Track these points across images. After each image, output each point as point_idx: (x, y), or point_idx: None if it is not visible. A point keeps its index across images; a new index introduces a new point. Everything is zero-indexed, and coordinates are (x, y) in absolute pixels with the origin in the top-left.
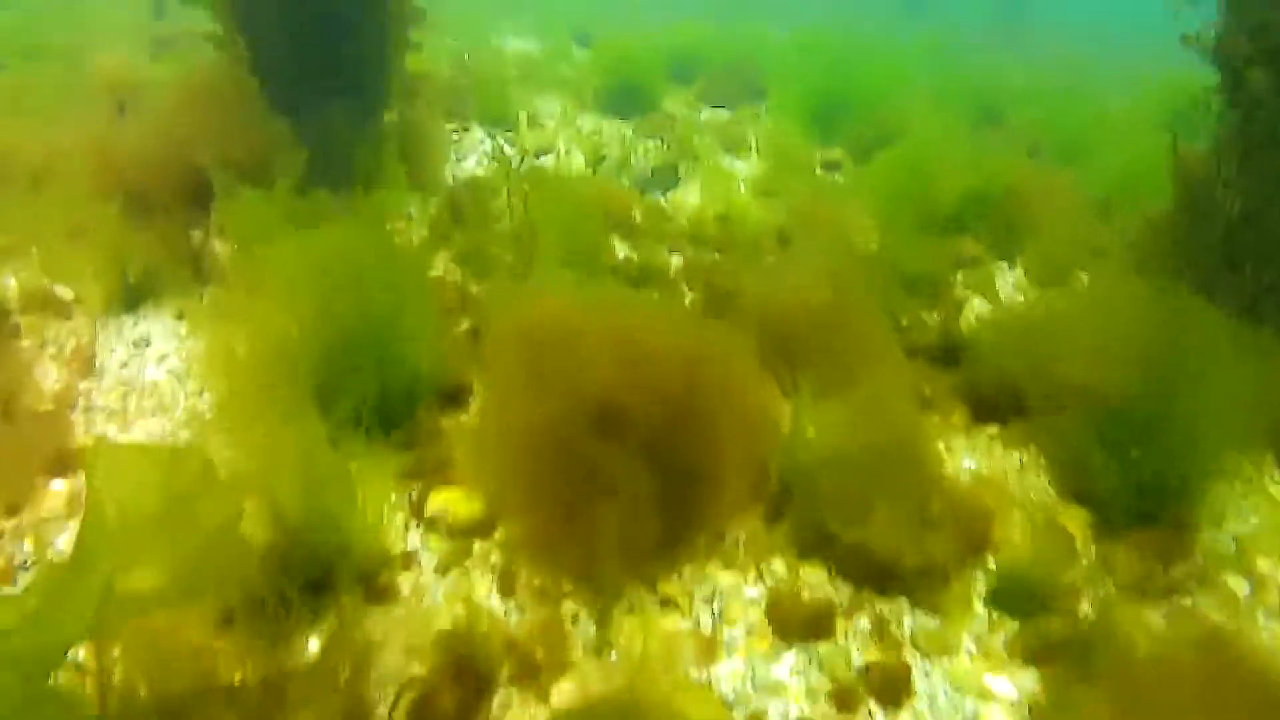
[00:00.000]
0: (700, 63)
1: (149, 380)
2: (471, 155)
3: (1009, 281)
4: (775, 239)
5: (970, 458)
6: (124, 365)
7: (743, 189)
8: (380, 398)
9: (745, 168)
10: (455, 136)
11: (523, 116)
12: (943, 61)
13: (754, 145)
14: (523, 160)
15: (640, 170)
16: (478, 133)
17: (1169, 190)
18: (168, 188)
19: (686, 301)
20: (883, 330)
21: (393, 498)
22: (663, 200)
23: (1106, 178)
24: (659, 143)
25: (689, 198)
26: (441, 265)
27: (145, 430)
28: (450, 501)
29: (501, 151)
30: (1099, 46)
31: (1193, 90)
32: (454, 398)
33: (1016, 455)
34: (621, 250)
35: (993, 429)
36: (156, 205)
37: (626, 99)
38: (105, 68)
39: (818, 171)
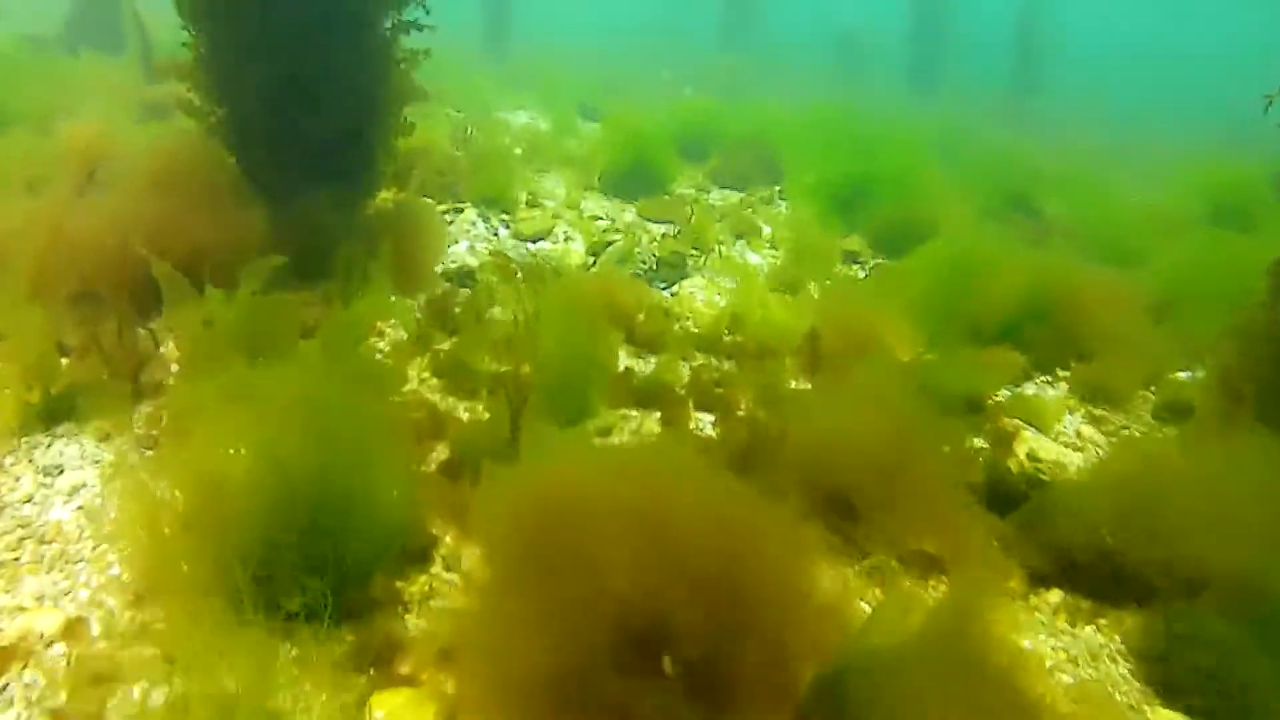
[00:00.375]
0: (711, 139)
1: (53, 521)
2: (463, 240)
3: (1055, 396)
4: (798, 347)
5: (1031, 635)
6: (28, 499)
7: (758, 283)
8: (328, 565)
9: (760, 259)
10: (448, 218)
11: (521, 196)
12: (957, 138)
13: (769, 231)
14: (530, 257)
15: (645, 260)
16: (471, 214)
17: (1236, 297)
18: (123, 279)
19: (695, 423)
20: (946, 478)
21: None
22: (669, 295)
23: (1158, 279)
24: (666, 228)
25: (698, 293)
26: (417, 375)
27: (36, 590)
28: (396, 711)
29: (495, 235)
30: (1110, 121)
31: (1230, 182)
32: (419, 554)
33: (1088, 632)
34: (626, 356)
35: (1054, 596)
36: (109, 299)
37: (633, 178)
38: (79, 136)
39: (839, 266)
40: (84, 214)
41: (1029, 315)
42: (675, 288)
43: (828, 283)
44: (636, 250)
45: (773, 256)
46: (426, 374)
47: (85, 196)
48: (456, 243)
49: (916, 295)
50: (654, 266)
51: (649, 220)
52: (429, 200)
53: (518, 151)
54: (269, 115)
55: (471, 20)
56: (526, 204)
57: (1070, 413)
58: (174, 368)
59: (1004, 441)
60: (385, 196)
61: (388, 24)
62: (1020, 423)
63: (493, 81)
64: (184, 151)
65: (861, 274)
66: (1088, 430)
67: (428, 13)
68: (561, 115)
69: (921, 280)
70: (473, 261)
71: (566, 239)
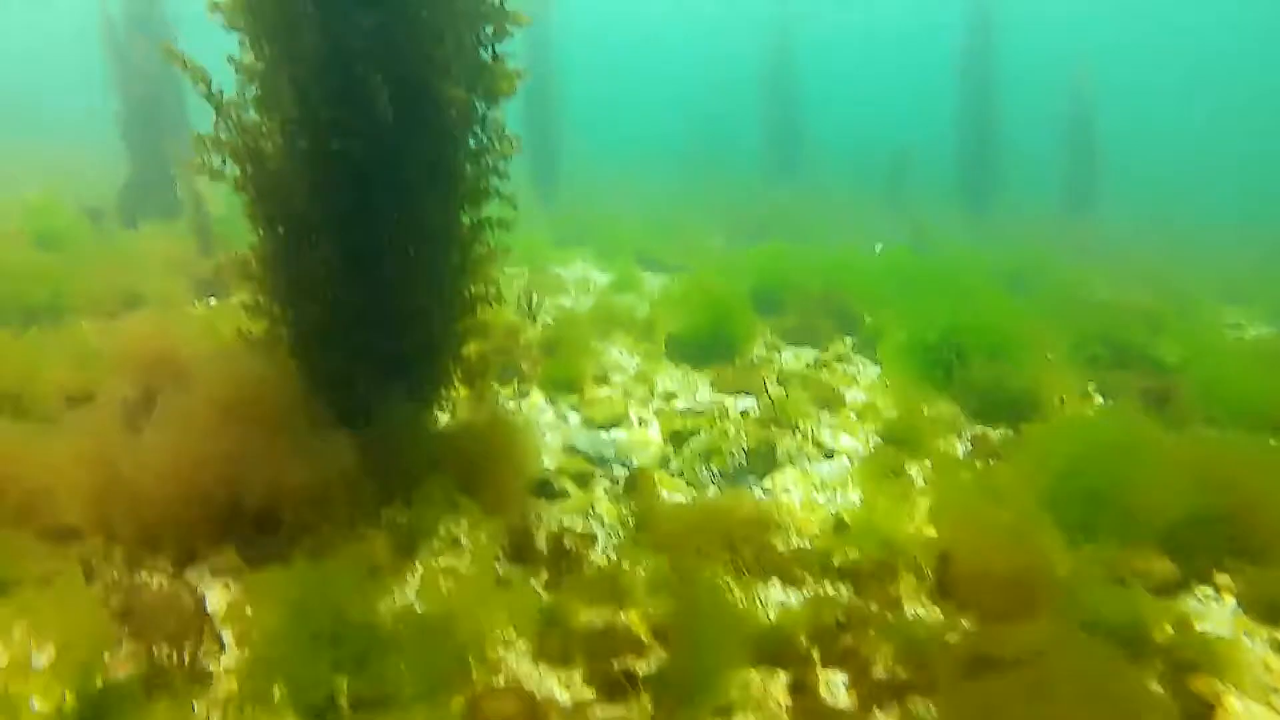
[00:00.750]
0: (775, 288)
1: None
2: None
3: (1221, 611)
4: (921, 560)
5: None
6: None
7: (858, 468)
8: None
9: (851, 440)
10: (513, 405)
11: (588, 370)
12: (1027, 268)
13: (854, 397)
14: (606, 449)
15: (734, 453)
16: (538, 397)
17: None
18: (186, 527)
19: (826, 688)
20: None
21: None
22: (760, 492)
23: None
24: (746, 403)
25: (794, 489)
26: (500, 634)
27: None
28: None
29: (564, 421)
30: (1184, 234)
31: None
32: None
33: None
34: (731, 585)
35: None
36: (168, 552)
37: (701, 339)
38: (135, 336)
39: (940, 443)
40: (146, 444)
41: (1177, 506)
42: (768, 481)
43: (931, 464)
44: (722, 439)
45: (862, 430)
46: (510, 631)
47: (141, 419)
48: None
49: (1037, 478)
50: (743, 461)
51: (724, 393)
52: (504, 397)
53: (579, 314)
54: (340, 327)
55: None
56: (594, 379)
57: (1249, 636)
58: (233, 643)
59: (1200, 707)
60: (459, 396)
61: (467, 221)
62: (1220, 686)
63: (544, 227)
64: (249, 367)
65: (961, 449)
66: (1277, 663)
67: (515, 209)
68: (619, 268)
69: (1037, 459)
70: (548, 463)
71: (641, 423)
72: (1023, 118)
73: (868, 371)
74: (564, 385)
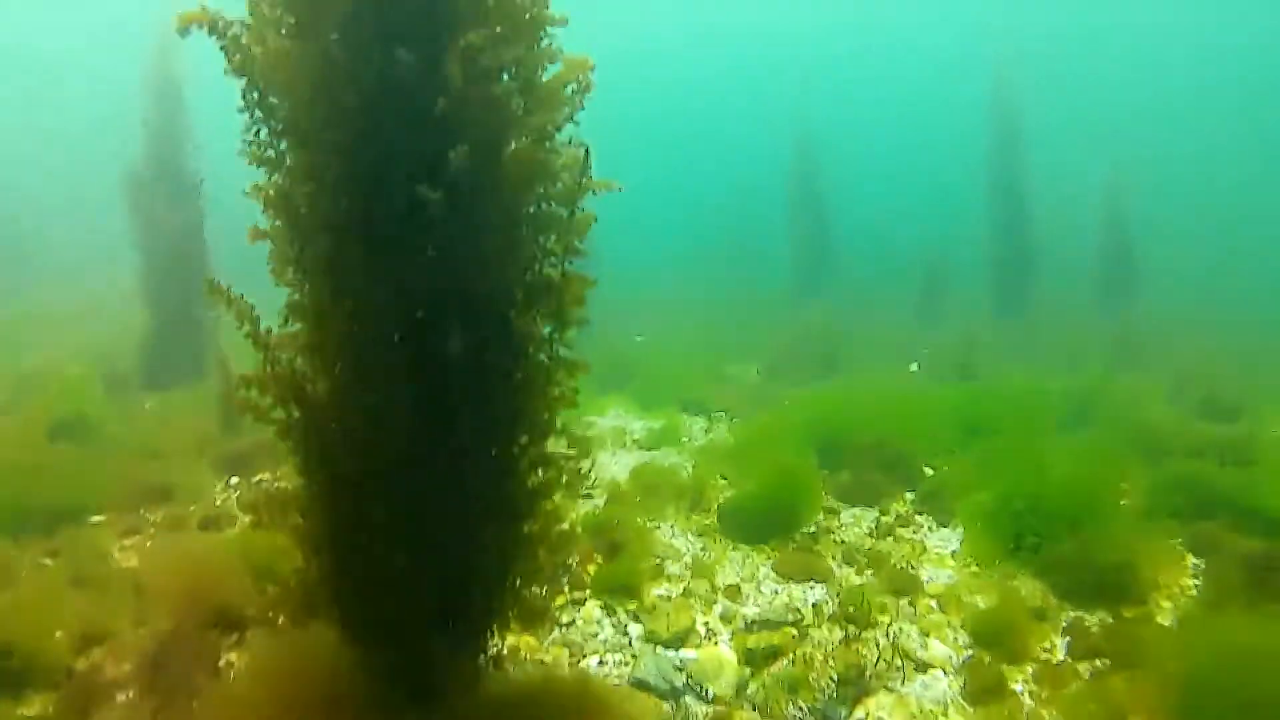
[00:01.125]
0: (825, 436)
1: None
2: (592, 657)
3: None
4: None
5: None
6: None
7: (956, 688)
8: None
9: (942, 646)
10: (566, 621)
11: (644, 566)
12: (1085, 392)
13: (931, 579)
14: (677, 675)
15: (823, 688)
16: (594, 608)
17: None
18: None
19: None
20: None
21: None
22: None
23: None
24: (814, 591)
25: (887, 719)
26: None
27: None
28: None
29: (626, 637)
30: (1215, 334)
31: None
32: None
33: None
34: None
35: None
36: None
37: (755, 507)
38: (156, 565)
39: (1037, 641)
40: None
41: None
42: (860, 710)
43: (1035, 675)
44: (808, 674)
45: (949, 628)
46: None
47: (167, 671)
48: (585, 660)
49: (1166, 696)
50: (834, 694)
51: (790, 580)
52: (556, 608)
53: (624, 485)
54: (389, 585)
55: None
56: (651, 574)
57: None
58: None
59: None
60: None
61: (527, 462)
62: None
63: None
64: (295, 640)
65: (1061, 645)
66: None
67: (588, 459)
68: (657, 417)
69: (1157, 665)
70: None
71: (710, 635)
72: (1054, 214)
73: (935, 537)
74: (621, 590)
